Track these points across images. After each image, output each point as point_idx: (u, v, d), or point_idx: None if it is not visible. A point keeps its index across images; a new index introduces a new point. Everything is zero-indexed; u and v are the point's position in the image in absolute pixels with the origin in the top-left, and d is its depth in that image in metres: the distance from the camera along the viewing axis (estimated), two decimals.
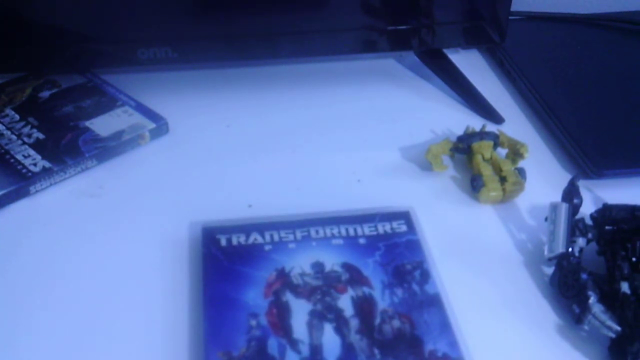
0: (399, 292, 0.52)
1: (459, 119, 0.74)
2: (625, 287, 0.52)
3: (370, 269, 0.53)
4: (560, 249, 0.54)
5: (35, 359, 0.49)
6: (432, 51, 0.78)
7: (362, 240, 0.56)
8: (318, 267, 0.53)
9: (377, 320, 0.49)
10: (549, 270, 0.56)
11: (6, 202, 0.61)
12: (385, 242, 0.55)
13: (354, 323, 0.49)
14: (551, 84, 0.76)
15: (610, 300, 0.51)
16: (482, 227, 0.62)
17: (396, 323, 0.49)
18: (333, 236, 0.56)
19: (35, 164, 0.63)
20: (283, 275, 0.52)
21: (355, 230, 0.56)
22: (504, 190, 0.63)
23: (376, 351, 0.47)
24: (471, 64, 0.82)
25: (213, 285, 0.52)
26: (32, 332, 0.51)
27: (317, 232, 0.56)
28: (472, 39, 0.77)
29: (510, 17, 0.76)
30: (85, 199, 0.63)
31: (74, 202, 0.62)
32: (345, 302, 0.51)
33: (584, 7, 0.91)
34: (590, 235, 0.56)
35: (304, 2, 0.72)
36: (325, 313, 0.50)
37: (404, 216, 0.58)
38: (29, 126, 0.67)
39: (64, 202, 0.62)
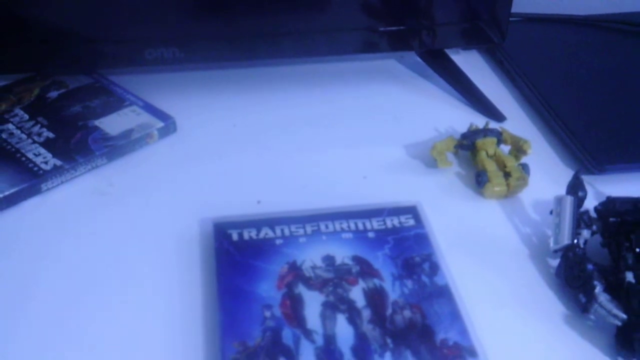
0: (409, 283, 0.52)
1: (461, 117, 0.74)
2: (630, 276, 0.53)
3: (380, 261, 0.54)
4: (565, 240, 0.55)
5: (50, 354, 0.50)
6: (433, 51, 0.79)
7: (371, 234, 0.57)
8: (329, 260, 0.54)
9: (389, 311, 0.50)
10: (554, 262, 0.57)
11: (18, 200, 0.62)
12: (394, 236, 0.56)
13: (366, 313, 0.50)
14: (551, 83, 0.78)
15: (616, 290, 0.52)
16: (487, 221, 0.62)
17: (407, 313, 0.50)
18: (342, 230, 0.57)
19: (46, 162, 0.64)
20: (295, 268, 0.53)
21: (364, 224, 0.57)
22: (508, 185, 0.64)
23: (389, 340, 0.48)
24: (471, 64, 0.83)
25: (227, 278, 0.52)
26: (46, 328, 0.52)
27: (326, 226, 0.57)
28: (472, 40, 0.78)
29: (509, 18, 0.77)
30: (96, 197, 0.63)
31: (85, 200, 0.63)
32: (356, 294, 0.52)
33: (581, 9, 0.92)
34: (594, 228, 0.57)
35: (308, 3, 0.73)
36: (338, 304, 0.51)
37: (412, 210, 0.59)
38: (39, 125, 0.68)
39: (75, 199, 0.63)
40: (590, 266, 0.53)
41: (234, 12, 0.71)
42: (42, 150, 0.65)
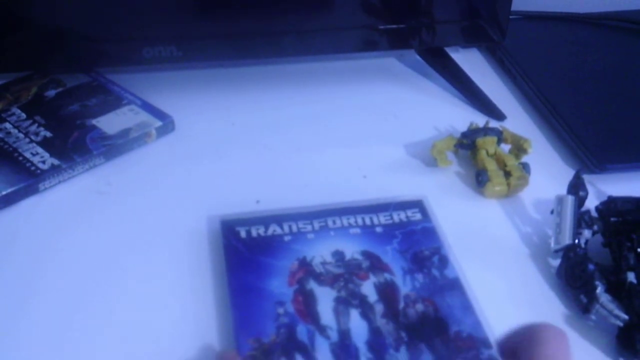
0: (420, 277, 0.53)
1: (461, 116, 0.74)
2: (631, 277, 0.53)
3: (389, 256, 0.54)
4: (566, 240, 0.55)
5: (50, 356, 0.49)
6: (433, 49, 0.80)
7: (378, 229, 0.57)
8: (338, 255, 0.54)
9: (401, 305, 0.50)
10: (555, 262, 0.57)
11: (15, 199, 0.61)
12: (402, 230, 0.56)
13: (379, 308, 0.50)
14: (552, 82, 0.78)
15: (617, 290, 0.53)
16: (487, 221, 0.63)
17: (420, 307, 0.50)
18: (350, 225, 0.57)
19: (43, 162, 0.63)
20: (305, 265, 0.53)
21: (371, 219, 0.57)
22: (508, 184, 0.64)
23: (403, 334, 0.48)
24: (471, 62, 0.83)
25: (237, 275, 0.52)
26: (45, 329, 0.51)
27: (334, 222, 0.57)
28: (472, 38, 0.79)
29: (509, 17, 0.77)
30: (94, 196, 0.62)
31: (83, 199, 0.62)
32: (368, 288, 0.52)
33: (582, 7, 0.92)
34: (595, 227, 0.58)
35: (308, 2, 0.73)
36: (350, 299, 0.51)
37: (418, 205, 0.59)
38: (36, 124, 0.67)
39: (73, 198, 0.62)
40: (591, 266, 0.53)
41: (233, 10, 0.71)
42: (40, 150, 0.64)
